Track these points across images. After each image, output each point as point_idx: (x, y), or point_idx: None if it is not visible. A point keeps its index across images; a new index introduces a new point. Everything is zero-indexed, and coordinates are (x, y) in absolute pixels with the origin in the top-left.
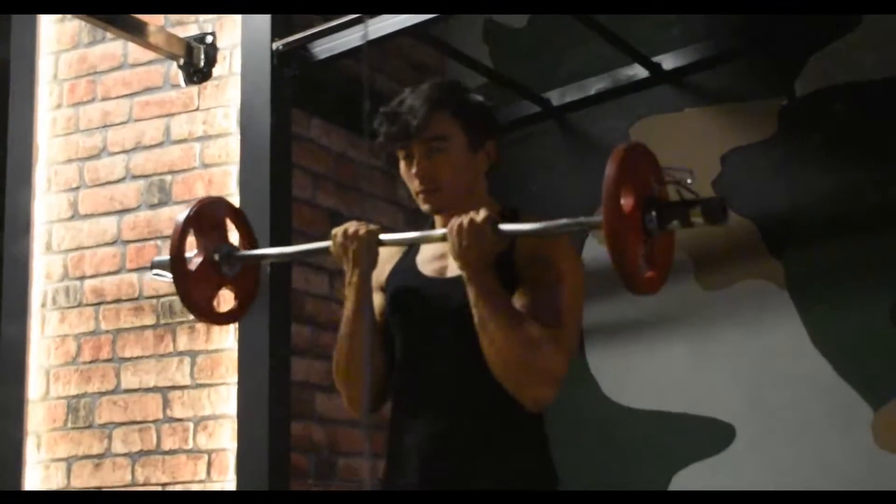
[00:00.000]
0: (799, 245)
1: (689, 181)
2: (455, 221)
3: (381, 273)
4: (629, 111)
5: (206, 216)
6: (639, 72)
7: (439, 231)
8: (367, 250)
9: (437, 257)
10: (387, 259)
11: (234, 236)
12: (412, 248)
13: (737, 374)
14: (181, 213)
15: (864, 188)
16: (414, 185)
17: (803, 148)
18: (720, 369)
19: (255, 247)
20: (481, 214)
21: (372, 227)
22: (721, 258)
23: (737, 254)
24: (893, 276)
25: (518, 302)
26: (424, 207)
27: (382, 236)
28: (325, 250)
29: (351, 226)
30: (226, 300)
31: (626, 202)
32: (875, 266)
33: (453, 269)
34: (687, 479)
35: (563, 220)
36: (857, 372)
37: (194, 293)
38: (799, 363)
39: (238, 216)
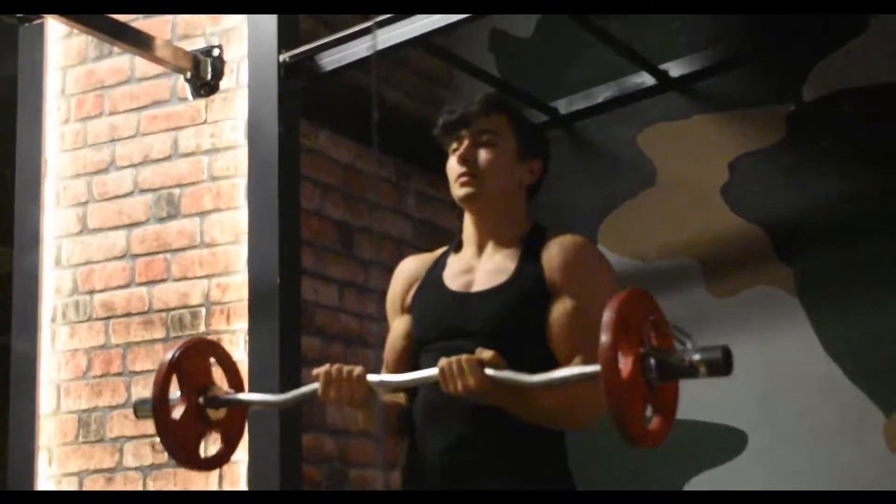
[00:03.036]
0: (809, 251)
1: (688, 345)
2: (444, 362)
3: (407, 292)
4: (637, 119)
5: (190, 359)
6: (646, 79)
7: (432, 372)
8: (360, 397)
9: (463, 272)
10: (415, 275)
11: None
12: (438, 263)
13: (748, 380)
14: (166, 355)
15: (873, 193)
16: (455, 171)
17: (812, 153)
18: (731, 376)
19: (241, 388)
20: (469, 358)
21: (356, 370)
22: (730, 265)
23: (746, 260)
24: None
25: (556, 314)
26: (461, 193)
27: (369, 377)
28: (314, 394)
29: (334, 370)
30: (213, 441)
31: (625, 357)
32: (885, 271)
33: (480, 284)
34: (700, 486)
35: (560, 373)
36: (869, 377)
37: (178, 440)
38: (810, 369)
39: (224, 357)
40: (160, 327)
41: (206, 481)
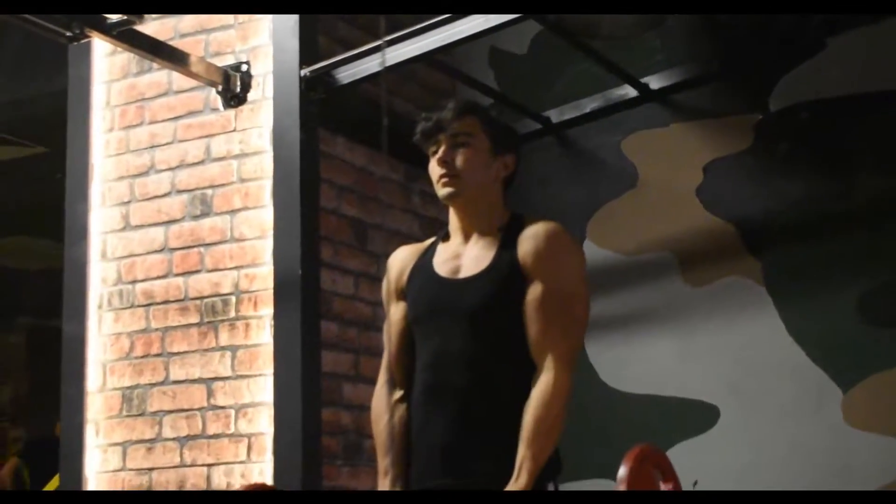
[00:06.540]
0: (774, 245)
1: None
2: None
3: (400, 279)
4: (620, 127)
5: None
6: (629, 91)
7: None
8: None
9: (451, 258)
10: (406, 263)
11: None
12: (428, 251)
13: (720, 361)
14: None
15: (830, 193)
16: (436, 172)
17: (776, 158)
18: (705, 357)
19: None
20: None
21: None
22: (704, 257)
23: (718, 253)
24: (859, 273)
25: (529, 297)
26: (443, 192)
27: None
28: None
29: None
30: None
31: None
32: (843, 263)
33: (467, 270)
34: (676, 456)
35: None
36: (828, 358)
37: None
38: (775, 351)
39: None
40: (195, 313)
41: (235, 452)
